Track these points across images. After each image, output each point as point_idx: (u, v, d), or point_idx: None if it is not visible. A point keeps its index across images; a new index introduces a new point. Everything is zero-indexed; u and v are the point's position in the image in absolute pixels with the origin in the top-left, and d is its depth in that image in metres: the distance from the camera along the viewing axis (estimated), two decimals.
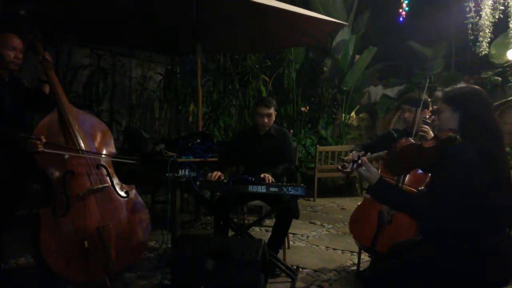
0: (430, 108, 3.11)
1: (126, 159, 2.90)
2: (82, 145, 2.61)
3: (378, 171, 1.82)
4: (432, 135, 2.76)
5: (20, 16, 2.71)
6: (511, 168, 1.75)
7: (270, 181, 2.91)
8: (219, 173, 3.00)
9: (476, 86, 1.82)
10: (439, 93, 1.86)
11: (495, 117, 1.85)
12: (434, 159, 1.76)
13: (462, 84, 1.84)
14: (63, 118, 2.62)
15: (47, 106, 2.73)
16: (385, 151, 1.85)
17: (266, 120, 3.32)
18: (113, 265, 2.48)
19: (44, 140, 2.37)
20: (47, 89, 2.78)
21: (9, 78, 2.67)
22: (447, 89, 1.84)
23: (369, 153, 1.94)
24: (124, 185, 2.76)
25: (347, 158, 3.09)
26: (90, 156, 2.62)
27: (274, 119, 3.40)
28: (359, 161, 1.82)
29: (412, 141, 1.77)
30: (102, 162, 2.70)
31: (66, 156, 2.53)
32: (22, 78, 2.83)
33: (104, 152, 2.76)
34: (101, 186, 2.59)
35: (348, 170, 1.90)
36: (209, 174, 2.99)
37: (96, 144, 2.75)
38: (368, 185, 1.81)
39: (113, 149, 2.84)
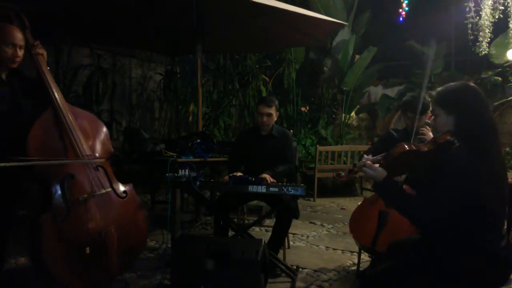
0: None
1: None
2: (83, 145, 2.48)
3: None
4: (431, 135, 2.77)
5: None
6: (508, 167, 1.74)
7: (270, 182, 2.92)
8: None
9: (470, 83, 1.81)
10: (433, 94, 1.85)
11: (490, 112, 1.83)
12: (431, 162, 1.76)
13: (453, 83, 1.82)
14: (59, 117, 2.43)
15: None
16: (382, 155, 1.86)
17: (265, 119, 3.31)
18: (115, 268, 2.45)
19: None
20: None
21: (7, 75, 2.41)
22: (440, 90, 1.82)
23: (370, 156, 1.96)
24: (122, 184, 2.67)
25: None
26: (85, 162, 2.46)
27: (275, 119, 3.39)
28: (355, 169, 1.87)
29: (407, 147, 1.76)
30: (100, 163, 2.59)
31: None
32: (21, 69, 2.49)
33: (102, 151, 2.62)
34: (103, 191, 2.48)
35: (343, 175, 2.02)
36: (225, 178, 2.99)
37: (93, 143, 2.59)
38: (373, 182, 1.84)
39: (110, 147, 2.70)
